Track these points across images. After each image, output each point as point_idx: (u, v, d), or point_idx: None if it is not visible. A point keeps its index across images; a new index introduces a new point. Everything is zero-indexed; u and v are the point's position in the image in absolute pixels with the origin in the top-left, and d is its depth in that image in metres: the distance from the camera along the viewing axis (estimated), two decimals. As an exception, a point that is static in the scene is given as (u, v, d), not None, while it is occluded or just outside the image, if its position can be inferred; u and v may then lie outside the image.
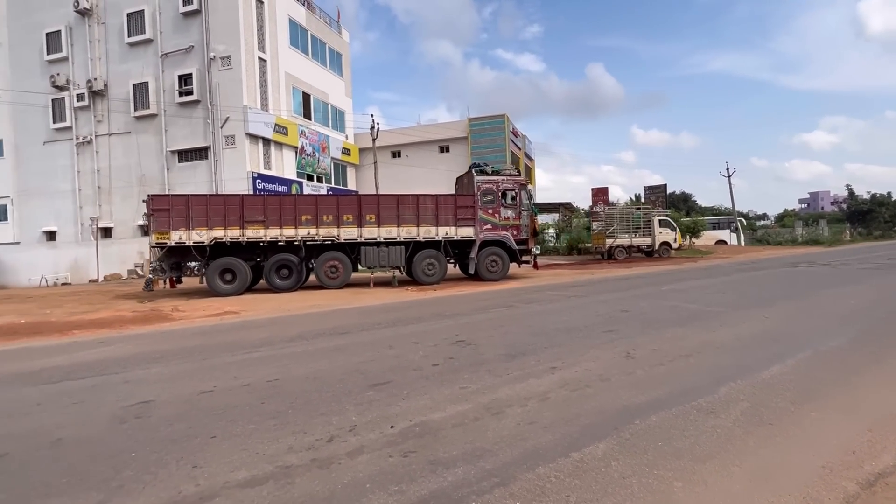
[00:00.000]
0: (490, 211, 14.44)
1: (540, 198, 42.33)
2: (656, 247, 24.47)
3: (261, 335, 6.93)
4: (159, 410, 3.70)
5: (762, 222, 74.76)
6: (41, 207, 25.98)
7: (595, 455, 2.71)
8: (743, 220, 46.92)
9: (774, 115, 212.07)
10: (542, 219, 32.70)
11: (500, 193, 14.55)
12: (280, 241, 13.44)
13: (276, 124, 23.77)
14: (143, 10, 23.52)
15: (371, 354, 5.31)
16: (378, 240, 13.85)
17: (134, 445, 3.05)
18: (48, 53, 25.31)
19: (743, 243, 38.99)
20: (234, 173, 22.40)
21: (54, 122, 25.43)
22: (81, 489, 2.52)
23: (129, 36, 23.87)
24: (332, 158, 28.81)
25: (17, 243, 26.56)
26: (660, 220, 24.81)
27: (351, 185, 31.13)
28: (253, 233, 13.28)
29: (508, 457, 2.72)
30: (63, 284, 22.91)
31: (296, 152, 25.59)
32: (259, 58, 23.36)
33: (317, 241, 13.56)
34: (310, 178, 26.65)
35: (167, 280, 13.71)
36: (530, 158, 40.08)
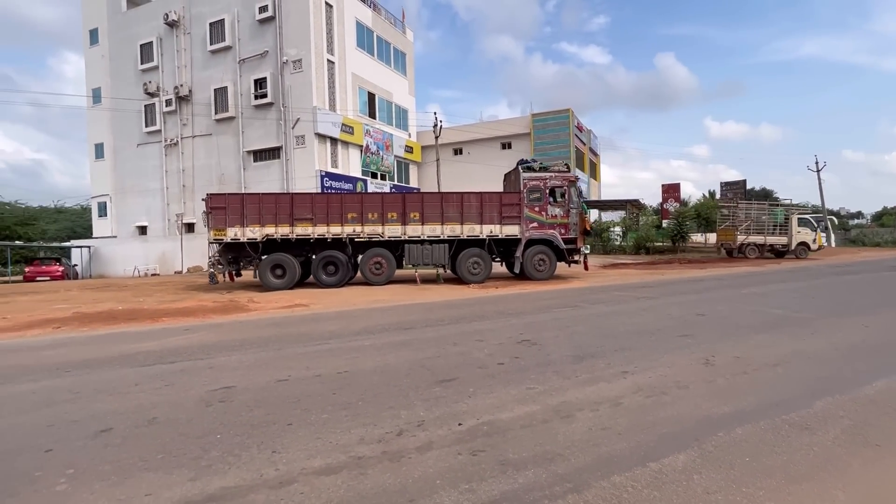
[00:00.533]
0: (537, 209, 13.97)
1: (605, 194, 40.94)
2: (793, 247, 22.80)
3: (329, 328, 7.19)
4: (240, 396, 3.93)
5: (856, 221, 68.03)
6: (134, 204, 28.51)
7: (675, 467, 2.56)
8: (834, 218, 42.85)
9: (872, 103, 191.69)
10: (607, 216, 31.63)
11: (547, 191, 14.01)
12: (328, 238, 13.83)
13: (342, 124, 24.58)
14: (223, 19, 25.09)
15: (436, 350, 5.35)
16: (422, 237, 13.92)
17: (219, 428, 3.25)
18: (141, 63, 27.64)
19: (833, 244, 35.67)
20: (304, 172, 23.42)
21: (146, 125, 27.77)
22: (175, 465, 2.71)
23: (210, 44, 25.55)
24: (396, 156, 29.40)
25: (115, 237, 29.30)
26: (799, 219, 23.13)
27: (413, 183, 31.61)
28: (302, 230, 13.80)
29: (581, 462, 2.63)
30: (152, 275, 25.01)
31: (361, 151, 26.34)
32: (328, 60, 24.23)
33: (362, 238, 13.84)
34: (374, 175, 27.34)
35: (226, 273, 14.48)
36: (595, 154, 38.84)
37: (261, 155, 25.09)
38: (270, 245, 13.94)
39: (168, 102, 26.67)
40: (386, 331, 6.74)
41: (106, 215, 30.11)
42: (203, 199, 14.10)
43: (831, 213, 46.81)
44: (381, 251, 13.89)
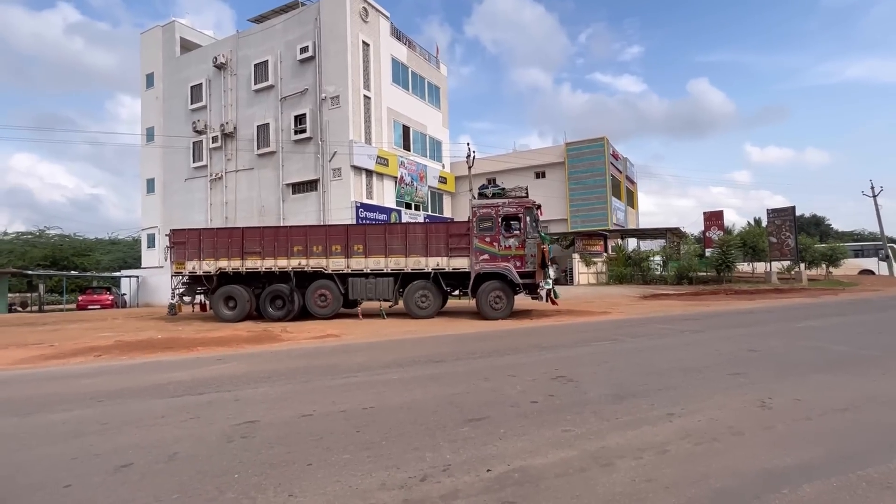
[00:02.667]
0: (487, 239, 12.74)
1: (643, 222, 39.98)
2: None
3: (358, 359, 7.07)
4: (262, 431, 3.81)
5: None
6: (181, 236, 29.73)
7: (734, 530, 2.25)
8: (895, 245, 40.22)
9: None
10: (645, 245, 30.74)
11: (499, 219, 12.71)
12: (275, 272, 13.79)
13: (378, 156, 25.14)
14: (267, 60, 26.45)
15: (465, 386, 5.12)
16: (365, 271, 13.50)
17: (237, 466, 3.12)
18: (191, 103, 29.34)
19: (896, 273, 33.33)
20: (340, 203, 23.93)
21: (193, 161, 29.24)
22: (188, 508, 2.59)
23: (255, 84, 26.91)
24: (430, 187, 29.74)
25: (161, 267, 30.54)
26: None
27: (447, 213, 31.79)
28: (252, 263, 13.98)
29: (624, 521, 2.35)
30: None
31: (395, 182, 26.78)
32: (364, 95, 25.03)
33: (307, 270, 13.63)
34: (408, 206, 27.67)
35: (192, 305, 14.96)
36: (632, 182, 38.19)
37: (299, 187, 25.87)
38: (228, 278, 14.25)
39: (214, 139, 28.07)
40: (415, 363, 6.56)
41: (154, 246, 31.51)
42: (167, 235, 14.68)
43: (892, 240, 43.97)
44: (326, 283, 13.59)
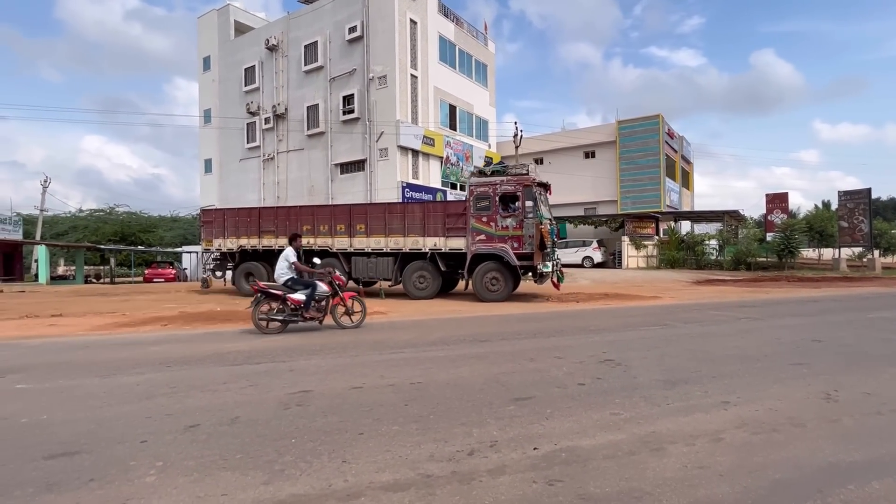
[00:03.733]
0: (484, 219, 12.22)
1: (698, 205, 38.18)
2: None
3: (405, 336, 7.22)
4: (316, 401, 3.99)
5: None
6: (236, 214, 31.08)
7: (793, 522, 2.17)
8: None
9: None
10: (700, 228, 29.39)
11: (496, 198, 12.13)
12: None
13: (424, 136, 25.14)
14: (317, 41, 26.79)
15: (512, 366, 5.14)
16: (367, 250, 13.56)
17: (294, 432, 3.29)
18: (245, 85, 30.25)
19: None
20: (387, 183, 24.20)
21: (247, 142, 30.28)
22: (250, 467, 2.76)
23: (305, 65, 27.37)
24: (475, 167, 29.48)
25: (219, 244, 32.08)
26: None
27: (492, 193, 31.50)
28: (267, 241, 14.68)
29: (675, 505, 2.31)
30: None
31: (441, 162, 26.74)
32: (411, 75, 24.96)
33: (314, 249, 13.78)
34: (453, 186, 27.62)
35: (223, 279, 16.01)
36: (688, 162, 36.45)
37: (347, 167, 26.33)
38: (248, 255, 15.06)
39: (267, 120, 28.90)
40: (461, 342, 6.63)
41: (212, 224, 33.03)
42: (196, 215, 15.80)
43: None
44: (332, 262, 13.66)
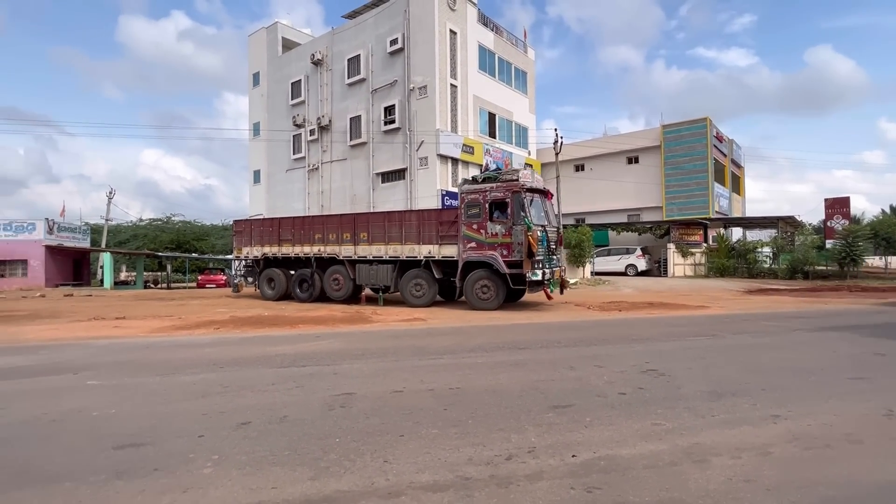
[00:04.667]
0: (475, 226, 12.04)
1: (750, 210, 36.57)
2: None
3: (444, 343, 7.31)
4: (359, 403, 4.12)
5: None
6: (282, 222, 32.24)
7: (846, 540, 2.09)
8: None
9: None
10: (753, 235, 28.12)
11: (486, 205, 11.92)
12: (301, 257, 15.10)
13: (463, 144, 25.33)
14: (359, 55, 27.56)
15: (550, 374, 5.12)
16: (369, 258, 13.88)
17: (338, 432, 3.43)
18: (292, 99, 31.43)
19: None
20: (427, 191, 24.51)
21: (293, 153, 31.40)
22: (298, 463, 2.91)
23: (348, 78, 28.19)
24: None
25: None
26: None
27: (532, 201, 31.31)
28: (286, 249, 15.50)
29: (718, 517, 2.27)
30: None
31: (481, 170, 26.79)
32: (451, 84, 25.25)
33: (324, 256, 14.59)
34: (492, 194, 27.62)
35: (254, 285, 17.18)
36: (738, 166, 35.00)
37: (388, 176, 26.84)
38: (270, 262, 16.06)
39: (311, 132, 29.91)
40: (500, 349, 6.65)
41: (260, 232, 34.40)
42: (230, 226, 16.82)
43: None
44: (339, 269, 14.41)
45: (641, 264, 26.20)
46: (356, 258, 14.14)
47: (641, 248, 26.92)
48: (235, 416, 3.80)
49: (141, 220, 48.63)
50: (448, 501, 2.43)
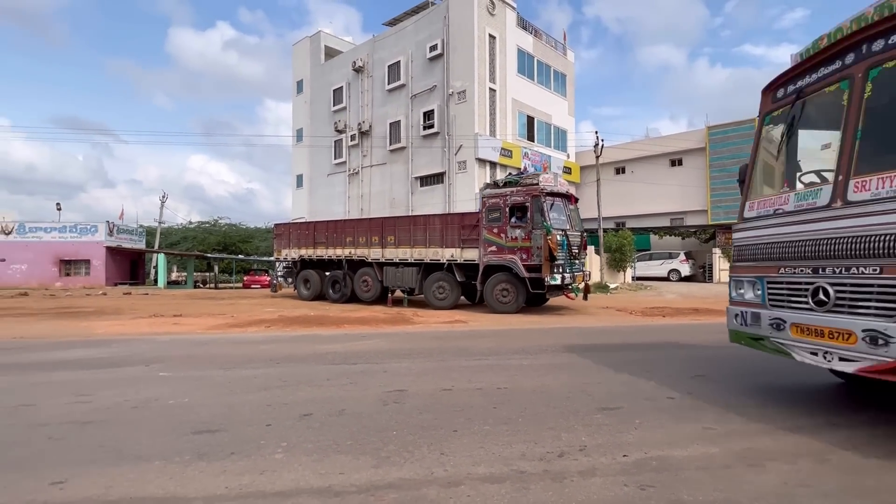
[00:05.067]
0: (496, 230, 12.22)
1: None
2: None
3: (487, 344, 7.42)
4: (410, 400, 4.30)
5: None
6: (324, 226, 33.16)
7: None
8: None
9: None
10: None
11: (507, 209, 12.06)
12: (334, 259, 15.80)
13: (502, 148, 25.39)
14: (399, 61, 28.09)
15: (596, 377, 5.16)
16: (395, 260, 14.29)
17: (394, 425, 3.61)
18: (333, 105, 32.33)
19: None
20: (465, 195, 24.68)
21: (334, 158, 32.25)
22: (360, 452, 3.10)
23: (388, 83, 28.76)
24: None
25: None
26: None
27: (570, 204, 31.00)
28: (320, 252, 16.24)
29: (774, 519, 2.30)
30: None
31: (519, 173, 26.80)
32: (489, 88, 25.38)
33: (353, 259, 15.21)
34: (531, 197, 27.54)
35: (292, 285, 18.05)
36: (789, 167, 33.46)
37: (427, 180, 27.19)
38: (306, 264, 16.88)
39: (352, 137, 30.68)
40: (543, 352, 6.71)
41: (302, 235, 35.48)
42: (270, 230, 17.78)
43: None
44: (368, 271, 14.97)
45: (685, 269, 25.49)
46: (383, 261, 14.62)
47: (685, 253, 26.18)
48: (297, 408, 4.05)
49: (190, 222, 51.06)
50: (505, 492, 2.56)
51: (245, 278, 34.91)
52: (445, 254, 13.30)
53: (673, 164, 29.99)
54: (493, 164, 25.42)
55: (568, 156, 31.00)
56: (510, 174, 14.06)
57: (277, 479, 2.72)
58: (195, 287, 33.81)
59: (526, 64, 27.92)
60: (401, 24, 29.12)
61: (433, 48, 26.18)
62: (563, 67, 30.93)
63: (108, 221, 31.75)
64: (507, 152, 25.65)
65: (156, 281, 33.22)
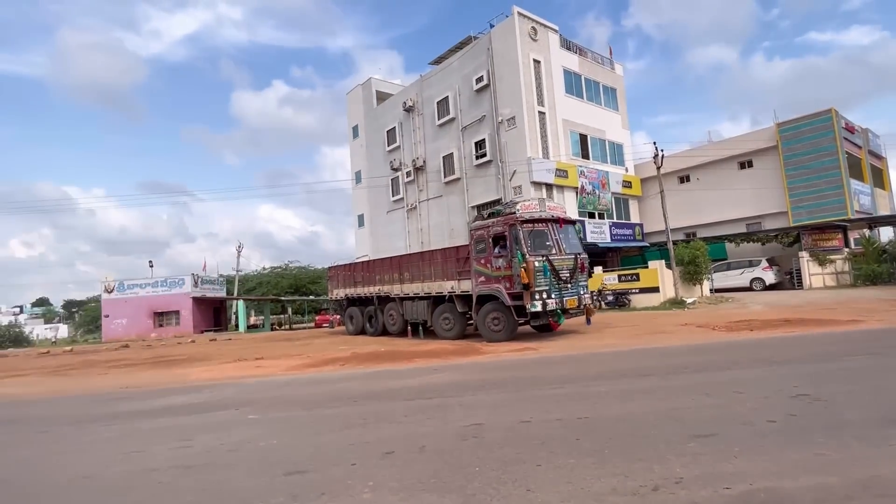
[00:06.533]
0: (482, 261, 12.58)
1: (901, 206, 31.55)
2: None
3: (561, 371, 7.22)
4: (489, 433, 4.25)
5: None
6: (387, 261, 34.04)
7: None
8: None
9: None
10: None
11: (490, 240, 12.40)
12: (369, 296, 17.09)
13: (556, 169, 25.16)
14: (447, 97, 28.89)
15: (685, 401, 4.86)
16: (411, 295, 15.23)
17: (476, 461, 3.57)
18: (388, 145, 33.61)
19: None
20: (523, 219, 24.49)
21: (392, 195, 33.29)
22: (445, 490, 3.09)
23: (438, 119, 29.57)
24: (613, 193, 28.46)
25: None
26: None
27: (634, 218, 29.94)
28: (359, 290, 17.80)
29: (917, 559, 2.04)
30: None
31: (576, 192, 26.35)
32: (538, 112, 25.42)
33: (381, 295, 16.54)
34: (591, 215, 26.91)
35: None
36: (878, 157, 30.64)
37: (483, 208, 27.32)
38: (350, 302, 18.64)
39: (408, 174, 31.61)
40: (622, 377, 6.42)
41: (367, 272, 36.60)
42: (327, 270, 20.71)
43: None
44: (393, 305, 16.20)
45: (769, 277, 23.62)
46: (402, 296, 15.71)
47: (767, 260, 24.31)
48: (379, 446, 4.12)
49: (264, 268, 54.21)
50: (600, 531, 2.45)
51: (317, 318, 36.33)
52: (447, 286, 14.02)
53: (742, 166, 28.28)
54: (549, 186, 25.18)
55: (626, 169, 30.13)
56: (498, 207, 14.21)
57: (368, 520, 2.77)
58: (272, 329, 35.58)
59: (573, 83, 27.79)
60: (446, 61, 30.07)
61: (479, 80, 26.73)
62: (612, 82, 30.47)
63: (193, 274, 34.40)
64: (562, 172, 25.37)
65: (237, 326, 35.33)
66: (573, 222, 13.41)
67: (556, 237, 12.26)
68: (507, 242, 11.99)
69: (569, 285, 12.02)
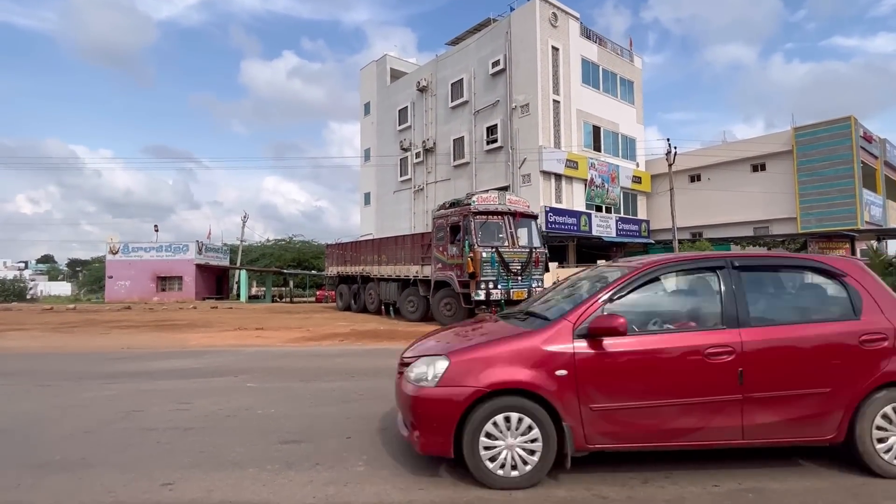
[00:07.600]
0: (440, 248, 13.07)
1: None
2: None
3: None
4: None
5: None
6: (391, 241, 34.08)
7: None
8: None
9: None
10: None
11: (448, 228, 12.81)
12: (353, 275, 18.08)
13: (567, 160, 24.96)
14: (462, 79, 28.54)
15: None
16: (385, 277, 15.91)
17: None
18: (399, 125, 33.35)
19: None
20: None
21: (400, 176, 33.16)
22: (437, 469, 3.14)
23: (451, 101, 29.26)
24: (622, 188, 28.27)
25: (376, 268, 35.41)
26: None
27: (641, 215, 29.79)
28: (347, 269, 18.71)
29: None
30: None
31: (585, 184, 26.19)
32: (553, 100, 25.11)
33: (364, 275, 17.32)
34: (598, 209, 26.78)
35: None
36: (894, 168, 30.23)
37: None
38: (340, 279, 19.71)
39: (417, 155, 31.43)
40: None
41: (370, 250, 36.69)
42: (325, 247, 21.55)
43: None
44: (373, 286, 16.92)
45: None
46: (379, 277, 16.46)
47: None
48: (374, 422, 4.18)
49: (268, 240, 54.29)
50: (588, 518, 2.49)
51: (317, 293, 36.54)
52: (412, 270, 14.53)
53: (755, 169, 27.99)
54: (558, 176, 25.02)
55: (637, 164, 29.87)
56: (460, 198, 14.31)
57: (360, 492, 2.83)
58: (273, 301, 35.83)
59: (591, 73, 27.39)
60: (463, 42, 29.63)
61: (495, 64, 26.36)
62: (629, 74, 30.02)
63: (197, 241, 34.55)
64: (572, 163, 25.18)
65: (238, 295, 35.59)
66: (534, 217, 13.61)
67: (511, 231, 12.50)
68: (462, 232, 12.39)
69: (519, 278, 12.23)
